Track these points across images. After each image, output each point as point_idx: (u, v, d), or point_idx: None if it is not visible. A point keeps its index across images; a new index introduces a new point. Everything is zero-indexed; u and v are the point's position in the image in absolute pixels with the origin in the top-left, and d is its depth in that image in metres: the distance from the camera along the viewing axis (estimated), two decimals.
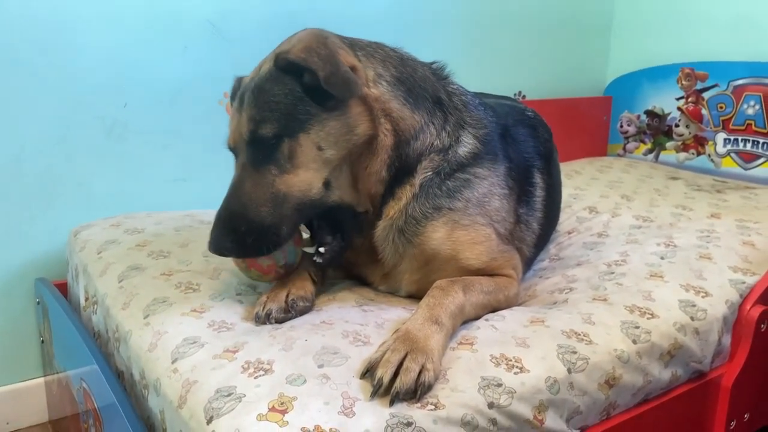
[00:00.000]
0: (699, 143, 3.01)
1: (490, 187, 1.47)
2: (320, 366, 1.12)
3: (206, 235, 1.67)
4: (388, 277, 1.50)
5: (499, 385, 1.14)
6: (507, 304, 1.46)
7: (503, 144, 1.57)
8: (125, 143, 2.12)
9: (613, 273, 1.62)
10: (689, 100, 3.02)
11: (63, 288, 1.89)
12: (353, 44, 1.39)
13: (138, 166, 2.15)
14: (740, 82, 2.83)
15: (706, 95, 2.96)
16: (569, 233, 2.01)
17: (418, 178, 1.40)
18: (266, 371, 1.10)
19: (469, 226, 1.42)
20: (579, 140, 3.24)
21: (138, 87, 2.11)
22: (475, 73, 2.92)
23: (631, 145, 3.31)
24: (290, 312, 1.32)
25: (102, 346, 1.50)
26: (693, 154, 3.04)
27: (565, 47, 3.30)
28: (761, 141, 2.79)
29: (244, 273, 1.40)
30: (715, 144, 2.95)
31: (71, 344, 1.56)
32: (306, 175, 1.29)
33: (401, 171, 1.39)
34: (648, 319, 1.41)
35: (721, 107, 2.91)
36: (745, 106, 2.82)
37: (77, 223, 1.95)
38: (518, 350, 1.23)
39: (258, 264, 1.35)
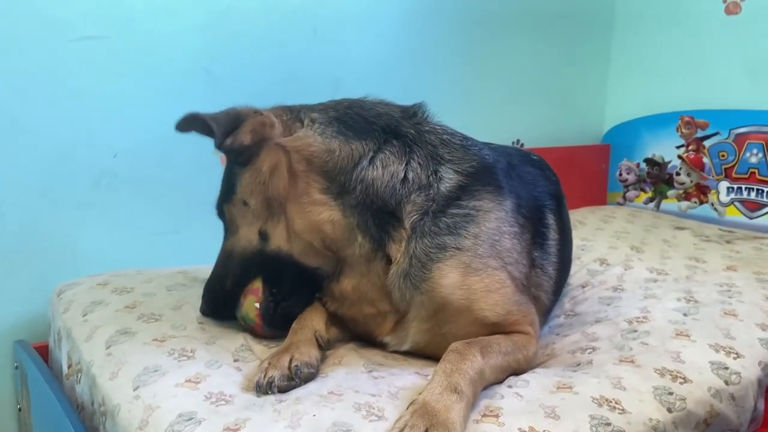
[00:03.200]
0: (701, 192, 2.96)
1: (498, 222, 1.38)
2: None
3: (200, 295, 1.59)
4: (395, 328, 1.40)
5: None
6: (526, 365, 1.36)
7: (507, 179, 1.48)
8: (114, 194, 2.02)
9: (636, 331, 1.53)
10: (690, 148, 2.99)
11: (44, 351, 1.76)
12: (299, 108, 1.45)
13: (127, 219, 2.05)
14: (742, 130, 2.80)
15: (707, 143, 2.93)
16: (583, 287, 1.92)
17: (407, 222, 1.34)
18: None
19: (482, 270, 1.33)
20: (578, 189, 3.18)
21: (129, 135, 2.02)
22: (474, 121, 2.83)
23: (631, 194, 3.25)
24: (294, 380, 1.21)
25: (86, 420, 1.36)
26: (695, 202, 2.99)
27: (563, 95, 3.28)
28: (766, 189, 2.74)
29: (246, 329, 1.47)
30: (718, 192, 2.90)
31: (52, 415, 1.43)
32: (242, 231, 1.43)
33: (374, 208, 1.34)
34: (681, 383, 1.31)
35: (723, 155, 2.87)
36: (747, 154, 2.79)
37: (61, 281, 1.82)
38: (548, 422, 1.12)
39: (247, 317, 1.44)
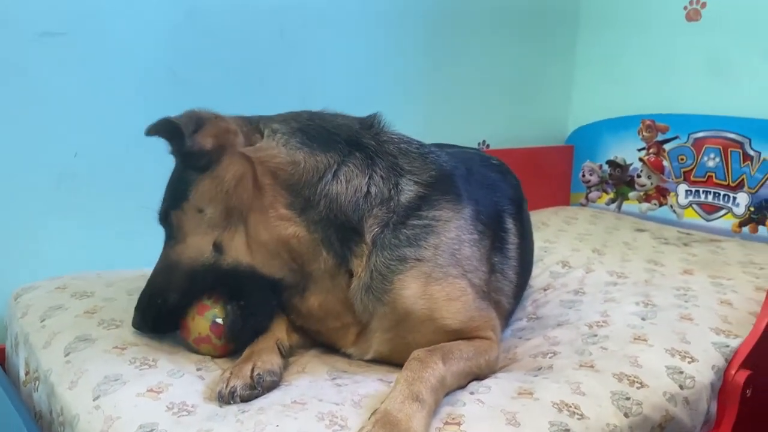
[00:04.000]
0: (661, 194, 3.03)
1: (457, 231, 1.39)
2: None
3: None
4: (358, 339, 1.40)
5: None
6: (488, 370, 1.38)
7: (466, 186, 1.49)
8: (75, 195, 1.97)
9: (596, 336, 1.56)
10: (650, 151, 3.05)
11: (1, 355, 1.72)
12: (258, 119, 1.40)
13: (89, 220, 2.00)
14: (700, 134, 2.87)
15: (667, 147, 2.99)
16: (545, 290, 1.94)
17: (368, 236, 1.34)
18: None
19: (443, 279, 1.34)
20: (542, 189, 3.21)
21: (90, 135, 1.98)
22: (440, 123, 2.88)
23: (593, 195, 3.31)
24: (256, 388, 1.21)
25: (44, 429, 1.34)
26: (655, 204, 3.05)
27: (528, 97, 3.30)
28: (722, 193, 2.81)
29: (203, 352, 1.38)
30: (677, 195, 2.97)
31: (7, 424, 1.39)
32: (193, 240, 1.35)
33: (337, 224, 1.33)
34: (638, 388, 1.34)
35: (682, 159, 2.94)
36: (705, 158, 2.86)
37: (20, 283, 1.78)
38: (509, 429, 1.14)
39: (201, 337, 1.36)
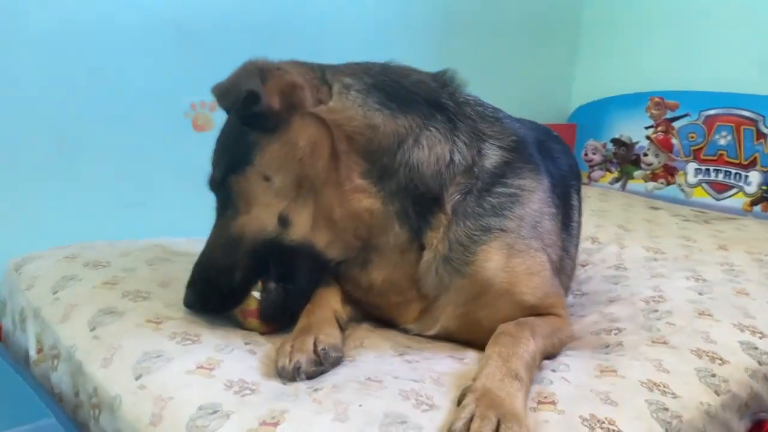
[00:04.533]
0: (669, 173, 2.98)
1: (540, 204, 1.29)
2: None
3: (188, 271, 1.43)
4: (424, 314, 1.28)
5: None
6: (560, 348, 1.28)
7: (542, 157, 1.39)
8: (77, 160, 1.80)
9: (657, 311, 1.47)
10: (659, 129, 2.99)
11: None
12: (321, 68, 1.24)
13: (91, 187, 1.83)
14: (712, 112, 2.82)
15: (676, 125, 2.94)
16: (583, 266, 1.85)
17: (448, 205, 1.21)
18: None
19: (525, 252, 1.23)
20: None
21: (94, 96, 1.80)
22: None
23: (596, 174, 3.24)
24: (322, 364, 1.08)
25: (67, 413, 1.18)
26: (662, 183, 3.00)
27: (530, 74, 3.21)
28: (733, 171, 2.77)
29: (248, 327, 1.23)
30: (686, 174, 2.92)
31: (23, 407, 1.23)
32: (257, 212, 1.18)
33: (416, 194, 1.19)
34: (719, 365, 1.25)
35: (692, 137, 2.89)
36: (717, 136, 2.81)
37: (14, 253, 1.60)
38: (607, 409, 1.04)
39: (249, 310, 1.21)
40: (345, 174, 1.18)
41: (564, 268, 1.45)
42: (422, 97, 1.24)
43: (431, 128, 1.21)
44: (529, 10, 3.08)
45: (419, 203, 1.20)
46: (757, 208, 2.71)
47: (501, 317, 1.21)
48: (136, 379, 1.05)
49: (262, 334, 1.22)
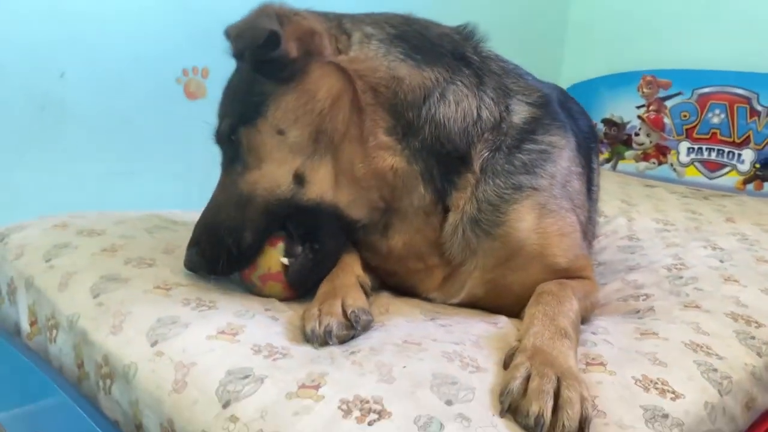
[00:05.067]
0: (660, 152, 2.96)
1: (569, 162, 1.23)
2: (448, 403, 0.81)
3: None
4: (448, 281, 1.20)
5: (665, 416, 0.88)
6: (591, 312, 1.23)
7: (566, 115, 1.33)
8: (60, 126, 1.69)
9: (682, 278, 1.43)
10: (651, 108, 2.97)
11: None
12: (338, 17, 1.17)
13: (75, 154, 1.73)
14: (705, 90, 2.81)
15: (668, 103, 2.92)
16: (596, 237, 1.80)
17: (476, 163, 1.14)
18: (381, 414, 0.77)
19: (557, 212, 1.17)
20: None
21: (78, 57, 1.69)
22: None
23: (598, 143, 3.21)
24: (354, 328, 1.01)
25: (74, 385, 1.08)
26: (654, 163, 2.98)
27: (517, 52, 3.14)
28: (726, 150, 2.77)
29: (267, 293, 1.14)
30: (678, 153, 2.90)
31: (16, 383, 1.13)
32: (270, 168, 1.10)
33: (442, 153, 1.12)
34: (756, 327, 1.21)
35: (685, 116, 2.88)
36: (710, 114, 2.80)
37: None
38: (658, 370, 0.99)
39: (270, 274, 1.12)
40: (369, 129, 1.10)
41: (587, 230, 1.40)
42: (447, 49, 1.17)
43: (458, 82, 1.14)
44: None
45: (444, 162, 1.13)
46: (750, 187, 2.71)
47: (532, 281, 1.15)
48: (152, 345, 0.96)
49: (283, 300, 1.13)
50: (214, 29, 1.89)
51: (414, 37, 1.16)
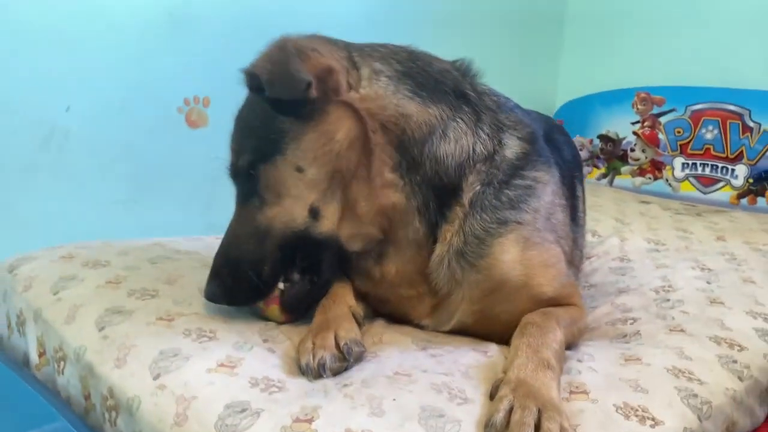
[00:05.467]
0: (656, 168, 3.00)
1: (552, 196, 1.28)
2: None
3: (195, 268, 1.39)
4: (437, 310, 1.25)
5: None
6: (579, 338, 1.27)
7: (550, 148, 1.38)
8: (65, 155, 1.74)
9: (669, 300, 1.48)
10: (645, 124, 3.02)
11: None
12: (349, 45, 1.20)
13: (80, 183, 1.78)
14: (698, 106, 2.85)
15: (662, 120, 2.96)
16: (588, 258, 1.85)
17: (466, 196, 1.19)
18: None
19: (540, 244, 1.22)
20: None
21: (82, 88, 1.75)
22: None
23: (583, 170, 3.25)
24: (347, 360, 1.05)
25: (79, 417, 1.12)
26: (650, 178, 3.02)
27: (515, 71, 3.20)
28: (720, 165, 2.81)
29: (268, 316, 1.19)
30: (672, 168, 2.94)
31: (29, 412, 1.17)
32: (287, 204, 1.13)
33: (438, 188, 1.17)
34: (738, 351, 1.25)
35: (679, 132, 2.92)
36: (703, 130, 2.85)
37: (3, 254, 1.53)
38: (639, 397, 1.03)
39: (271, 297, 1.18)
40: (377, 168, 1.15)
41: (573, 258, 1.44)
42: (449, 86, 1.21)
43: (458, 119, 1.19)
44: (513, 7, 3.08)
45: (439, 196, 1.18)
46: (744, 201, 2.75)
47: (519, 311, 1.19)
48: (155, 378, 1.00)
49: (280, 323, 1.19)
50: (214, 59, 1.96)
51: (419, 74, 1.20)
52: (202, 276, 1.37)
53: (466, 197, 1.18)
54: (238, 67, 2.04)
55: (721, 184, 2.81)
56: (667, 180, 2.97)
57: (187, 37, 1.91)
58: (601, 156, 3.18)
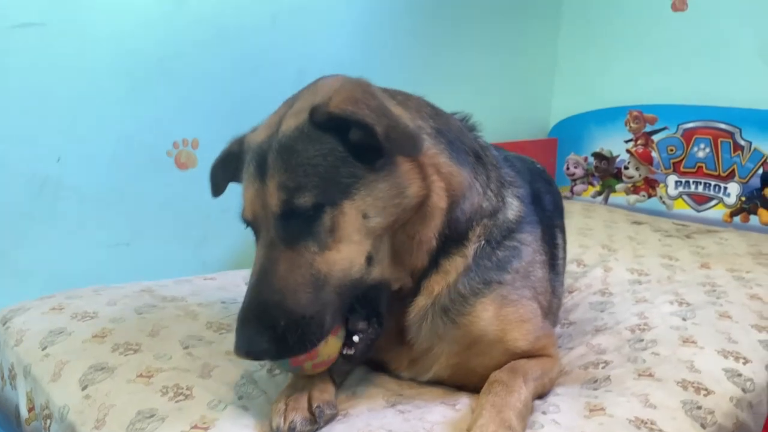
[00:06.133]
0: (650, 185, 3.02)
1: (533, 254, 1.31)
2: None
3: (178, 318, 1.44)
4: (416, 362, 1.28)
5: None
6: (550, 388, 1.30)
7: (534, 204, 1.42)
8: (58, 203, 1.80)
9: (642, 341, 1.50)
10: (638, 142, 3.03)
11: None
12: (384, 90, 1.18)
13: (74, 230, 1.83)
14: (690, 125, 2.87)
15: (655, 138, 2.98)
16: (570, 292, 1.88)
17: (471, 248, 1.21)
18: None
19: (517, 301, 1.25)
20: None
21: (73, 139, 1.80)
22: None
23: (578, 188, 3.28)
24: (317, 422, 1.08)
25: None
26: (644, 196, 3.04)
27: (510, 91, 3.24)
28: (713, 183, 2.82)
29: (303, 370, 1.12)
30: (666, 186, 2.96)
31: None
32: (348, 250, 1.06)
33: (450, 239, 1.19)
34: (705, 396, 1.28)
35: (672, 150, 2.94)
36: (695, 149, 2.86)
37: (1, 303, 1.60)
38: None
39: (327, 360, 1.11)
40: (431, 230, 1.15)
41: (551, 307, 1.48)
42: (468, 146, 1.24)
43: (476, 181, 1.22)
44: (508, 28, 3.11)
45: (443, 246, 1.19)
46: (737, 219, 2.76)
47: (494, 364, 1.23)
48: None
49: (310, 375, 1.15)
50: (201, 102, 2.01)
51: (447, 132, 1.20)
52: (185, 326, 1.45)
53: (471, 249, 1.20)
54: (226, 109, 2.11)
55: (714, 202, 2.82)
56: (661, 198, 2.98)
57: (175, 84, 1.96)
58: (596, 174, 3.20)
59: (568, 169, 3.30)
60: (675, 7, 2.92)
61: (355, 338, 1.12)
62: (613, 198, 3.15)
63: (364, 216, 1.07)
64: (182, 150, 1.99)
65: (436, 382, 1.29)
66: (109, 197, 1.88)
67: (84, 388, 1.20)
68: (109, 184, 1.87)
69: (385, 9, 2.56)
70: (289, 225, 1.05)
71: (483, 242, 1.21)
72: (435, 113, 1.23)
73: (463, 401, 1.20)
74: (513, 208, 1.28)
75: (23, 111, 1.71)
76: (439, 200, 1.14)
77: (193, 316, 1.49)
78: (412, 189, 1.10)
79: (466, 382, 1.25)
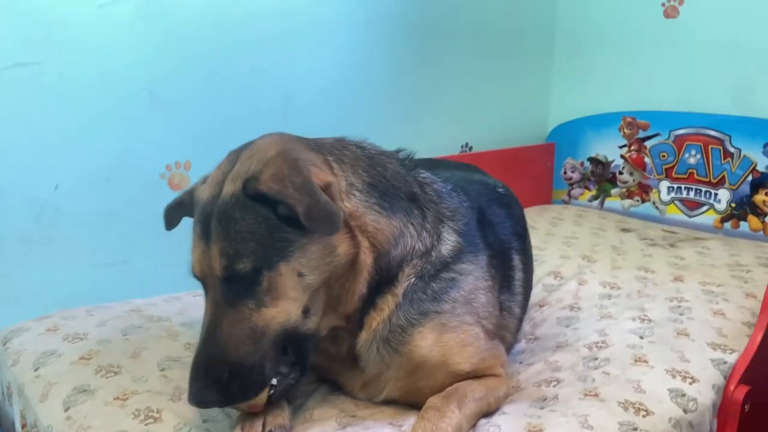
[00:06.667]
0: (644, 190, 3.06)
1: (475, 282, 1.39)
2: None
3: (160, 338, 1.55)
4: (368, 385, 1.38)
5: None
6: (497, 406, 1.38)
7: (481, 230, 1.49)
8: (57, 228, 1.93)
9: (597, 359, 1.57)
10: (632, 148, 3.07)
11: None
12: (320, 147, 1.27)
13: (72, 251, 1.96)
14: (681, 132, 2.89)
15: (648, 144, 3.01)
16: (540, 306, 1.95)
17: (401, 287, 1.30)
18: None
19: (458, 327, 1.33)
20: (525, 187, 3.21)
21: (70, 165, 1.93)
22: (424, 128, 2.86)
23: (575, 192, 3.32)
24: None
25: None
26: (638, 201, 3.08)
27: (508, 97, 3.28)
28: (704, 189, 2.85)
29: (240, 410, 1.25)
30: (659, 192, 3.00)
31: None
32: (285, 305, 1.16)
33: (381, 282, 1.29)
34: (644, 416, 1.34)
35: (664, 156, 2.97)
36: (686, 155, 2.89)
37: (2, 323, 1.73)
38: None
39: (258, 404, 1.21)
40: (360, 283, 1.25)
41: (507, 326, 1.55)
42: (403, 191, 1.31)
43: (410, 225, 1.30)
44: (505, 37, 3.16)
45: (377, 287, 1.28)
46: (728, 225, 2.79)
47: (440, 385, 1.32)
48: None
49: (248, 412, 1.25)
50: (193, 124, 2.13)
51: (381, 183, 1.28)
52: (164, 347, 1.56)
53: (401, 288, 1.29)
54: (216, 131, 2.23)
55: (705, 207, 2.85)
56: (654, 203, 3.02)
57: (166, 111, 2.07)
58: (592, 178, 3.25)
59: (565, 173, 3.35)
60: (667, 14, 2.93)
61: (274, 381, 1.19)
62: (609, 202, 3.19)
63: (299, 275, 1.16)
64: (175, 172, 2.11)
65: (391, 402, 1.39)
66: (105, 220, 2.01)
67: (66, 410, 1.32)
68: (104, 208, 2.00)
69: (372, 33, 2.62)
70: (231, 287, 1.15)
71: (413, 279, 1.30)
72: (371, 164, 1.30)
73: (410, 422, 1.29)
74: (448, 242, 1.35)
75: (22, 143, 1.83)
76: (366, 257, 1.24)
77: (174, 337, 1.60)
78: (342, 248, 1.19)
79: (418, 401, 1.33)
